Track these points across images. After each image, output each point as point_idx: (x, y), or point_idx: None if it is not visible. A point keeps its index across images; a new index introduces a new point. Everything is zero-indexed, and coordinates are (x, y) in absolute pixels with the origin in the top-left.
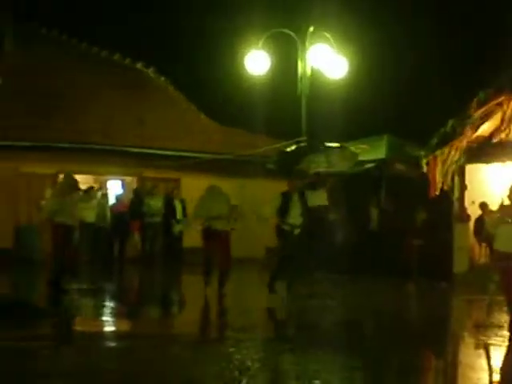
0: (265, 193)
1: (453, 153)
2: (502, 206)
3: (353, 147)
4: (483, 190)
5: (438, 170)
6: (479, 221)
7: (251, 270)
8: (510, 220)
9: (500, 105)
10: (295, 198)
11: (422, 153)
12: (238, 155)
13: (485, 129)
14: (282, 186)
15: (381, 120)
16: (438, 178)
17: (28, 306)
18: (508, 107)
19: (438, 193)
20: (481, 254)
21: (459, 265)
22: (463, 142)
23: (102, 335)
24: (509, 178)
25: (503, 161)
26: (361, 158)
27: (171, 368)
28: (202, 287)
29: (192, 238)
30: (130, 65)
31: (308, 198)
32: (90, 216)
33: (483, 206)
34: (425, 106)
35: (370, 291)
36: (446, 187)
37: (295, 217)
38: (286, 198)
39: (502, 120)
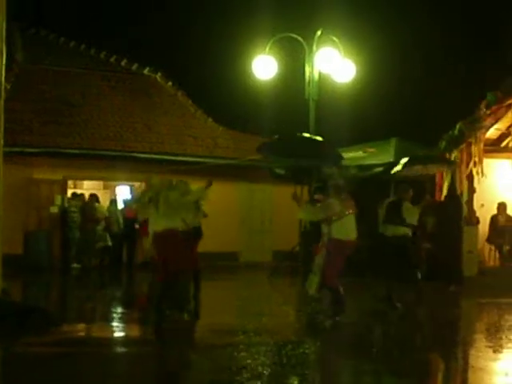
0: (273, 198)
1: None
2: None
3: (360, 151)
4: (492, 193)
5: (444, 174)
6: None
7: (260, 273)
8: None
9: (509, 107)
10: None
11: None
12: (246, 160)
13: (492, 132)
14: (291, 190)
15: (388, 123)
16: (445, 182)
17: (39, 312)
18: None
19: (443, 197)
20: (490, 257)
21: (469, 268)
22: (472, 147)
23: (110, 341)
24: None
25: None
26: (368, 161)
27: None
28: (207, 291)
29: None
30: (137, 70)
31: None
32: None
33: (501, 205)
34: (433, 109)
35: (379, 295)
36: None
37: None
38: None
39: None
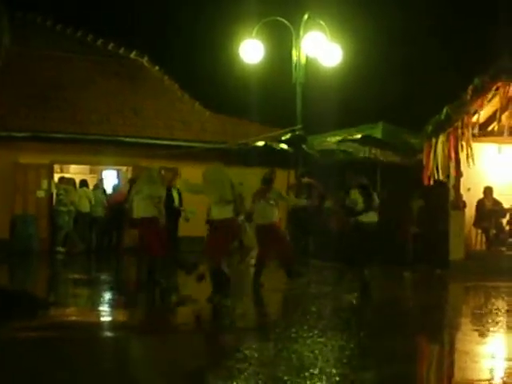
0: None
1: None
2: None
3: (347, 134)
4: (479, 177)
5: (431, 158)
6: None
7: None
8: None
9: (496, 91)
10: None
11: (417, 140)
12: (235, 144)
13: (480, 116)
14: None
15: (375, 107)
16: (432, 166)
17: (26, 296)
18: (504, 94)
19: (431, 181)
20: (477, 241)
21: (455, 252)
22: (459, 132)
23: (98, 325)
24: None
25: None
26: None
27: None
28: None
29: (187, 227)
30: (124, 54)
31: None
32: (85, 206)
33: (487, 190)
34: (421, 92)
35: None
36: (442, 177)
37: None
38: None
39: (499, 107)
